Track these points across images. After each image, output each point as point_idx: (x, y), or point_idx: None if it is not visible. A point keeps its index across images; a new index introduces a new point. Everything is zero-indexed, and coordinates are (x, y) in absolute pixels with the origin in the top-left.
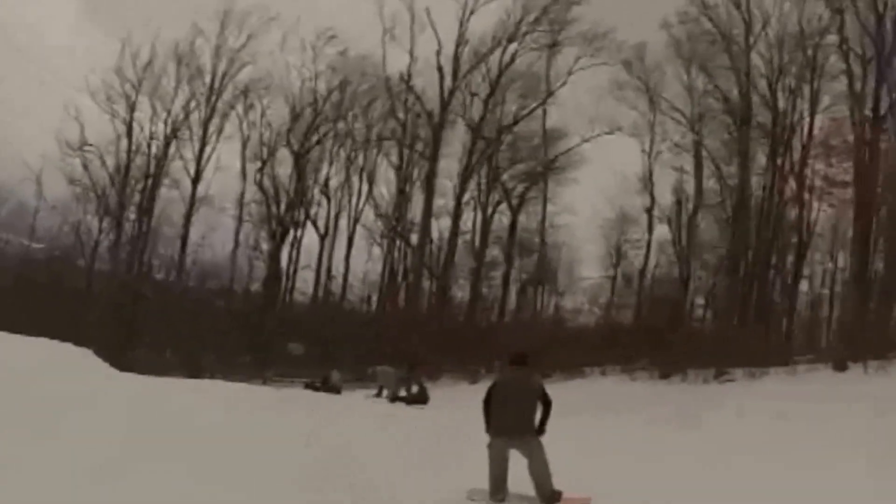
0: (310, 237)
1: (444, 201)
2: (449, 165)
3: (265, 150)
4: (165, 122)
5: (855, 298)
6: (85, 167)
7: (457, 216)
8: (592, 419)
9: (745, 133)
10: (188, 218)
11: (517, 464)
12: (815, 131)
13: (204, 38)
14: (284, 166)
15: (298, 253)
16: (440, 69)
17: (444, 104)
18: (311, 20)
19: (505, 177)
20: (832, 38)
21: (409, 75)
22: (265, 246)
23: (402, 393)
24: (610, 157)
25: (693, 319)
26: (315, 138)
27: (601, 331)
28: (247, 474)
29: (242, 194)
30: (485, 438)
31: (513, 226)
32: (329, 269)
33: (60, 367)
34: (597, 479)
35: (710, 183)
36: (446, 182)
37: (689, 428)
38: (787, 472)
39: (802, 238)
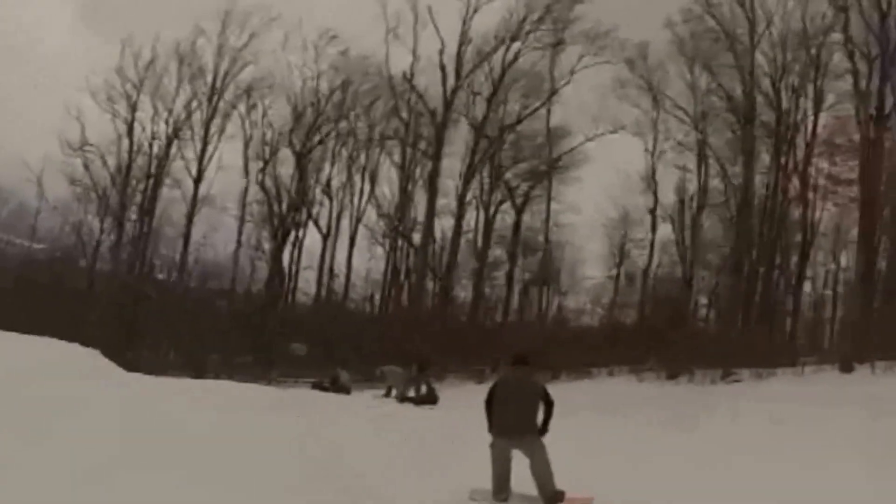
0: (312, 237)
1: (445, 201)
2: (451, 164)
3: (267, 150)
4: (167, 122)
5: (860, 298)
6: (86, 167)
7: (460, 215)
8: (602, 420)
9: (749, 132)
10: (190, 218)
11: (520, 464)
12: (819, 130)
13: (206, 37)
14: (286, 166)
15: (300, 253)
16: (443, 68)
17: (447, 103)
18: (312, 20)
19: (508, 175)
20: (836, 37)
21: (412, 74)
22: (267, 246)
23: (411, 393)
24: (613, 156)
25: (697, 319)
26: (317, 138)
27: (605, 331)
28: (242, 477)
29: (245, 194)
30: (487, 438)
31: (517, 225)
32: (331, 269)
33: (69, 368)
34: (603, 480)
35: (713, 182)
36: (448, 181)
37: (697, 429)
38: (797, 473)
39: (806, 237)
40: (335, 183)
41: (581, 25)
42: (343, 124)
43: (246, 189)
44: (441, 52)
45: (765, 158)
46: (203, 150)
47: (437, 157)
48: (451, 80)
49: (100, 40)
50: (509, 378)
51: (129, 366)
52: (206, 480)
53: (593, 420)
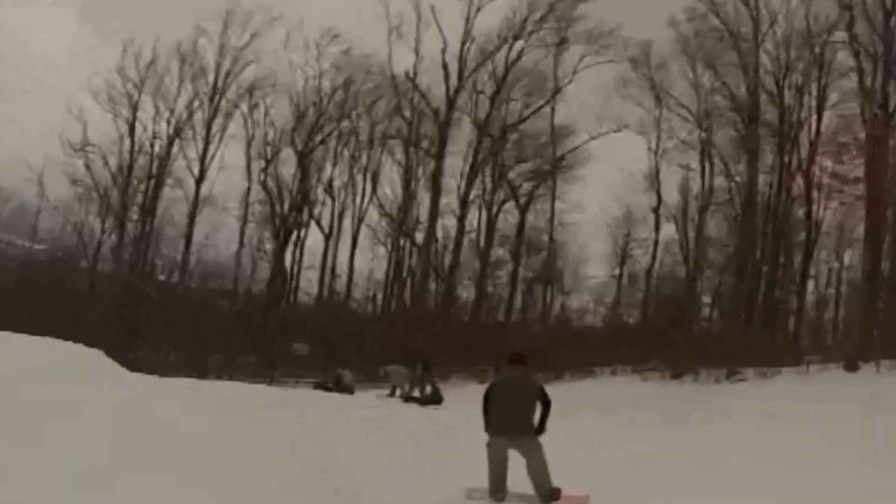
0: (314, 237)
1: (447, 200)
2: (453, 164)
3: (269, 150)
4: (168, 122)
5: (865, 297)
6: (87, 167)
7: (462, 215)
8: (605, 420)
9: (753, 130)
10: (192, 217)
11: (517, 463)
12: (823, 128)
13: (207, 37)
14: (288, 166)
15: (302, 253)
16: (445, 67)
17: (450, 102)
18: (314, 19)
19: (511, 175)
20: (839, 35)
21: (416, 73)
22: (269, 246)
23: (416, 393)
24: (617, 155)
25: (700, 319)
26: (319, 137)
27: (608, 331)
28: (237, 478)
29: (248, 193)
30: (485, 438)
31: (521, 224)
32: (333, 269)
33: (74, 369)
34: (604, 479)
35: (717, 181)
36: (450, 181)
37: (701, 429)
38: (804, 472)
39: (810, 236)
40: (337, 183)
41: (584, 24)
42: (345, 124)
43: (248, 189)
44: (444, 51)
45: (768, 157)
46: (205, 150)
47: (440, 156)
48: (453, 80)
49: (102, 41)
50: (506, 377)
51: (132, 366)
52: (201, 482)
53: (596, 419)
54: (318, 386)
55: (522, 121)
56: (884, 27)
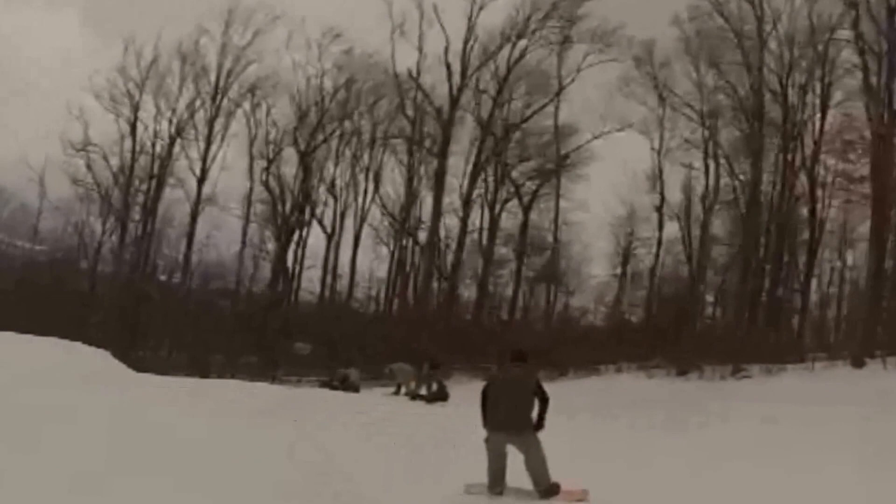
0: (316, 237)
1: (449, 199)
2: (455, 163)
3: (271, 150)
4: (170, 121)
5: (870, 294)
6: (88, 167)
7: (465, 214)
8: (611, 420)
9: (757, 129)
10: (194, 218)
11: (516, 458)
12: (827, 127)
13: (209, 36)
14: (290, 165)
15: (304, 252)
16: (448, 66)
17: (453, 101)
18: (316, 18)
19: (515, 174)
20: (843, 34)
21: (419, 72)
22: (271, 246)
23: (423, 391)
24: (620, 154)
25: (703, 317)
26: (321, 137)
27: (611, 329)
28: (233, 483)
29: (250, 193)
30: (483, 434)
31: (524, 224)
32: (335, 269)
33: (79, 369)
34: (603, 484)
35: (721, 180)
36: (453, 180)
37: (710, 429)
38: (805, 477)
39: (814, 235)
40: (339, 182)
41: (588, 23)
42: (347, 123)
43: (250, 189)
44: (446, 50)
45: (771, 156)
46: (206, 150)
47: (443, 155)
48: (456, 78)
49: (105, 45)
50: (505, 374)
51: (137, 367)
52: (198, 487)
53: (608, 419)
54: (325, 384)
55: (525, 120)
56: (888, 25)
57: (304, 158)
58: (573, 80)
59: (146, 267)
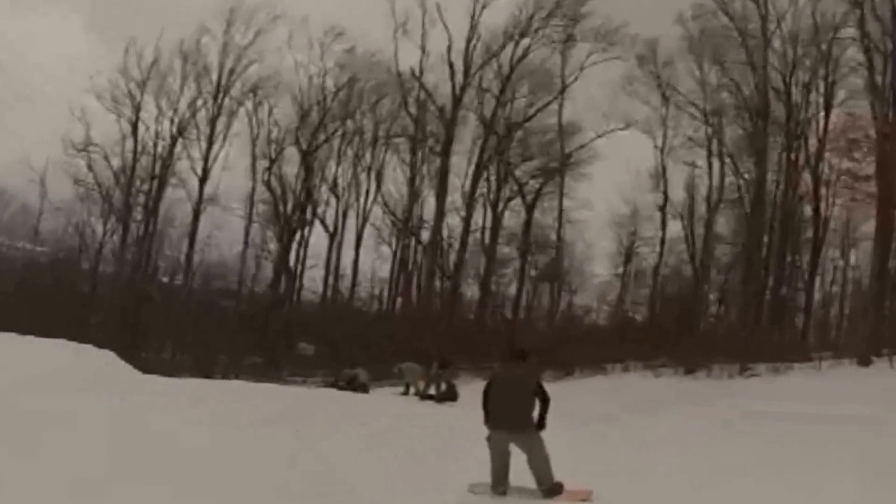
0: (318, 236)
1: (451, 198)
2: (457, 162)
3: (273, 149)
4: (171, 121)
5: (874, 292)
6: (90, 167)
7: (468, 213)
8: (619, 417)
9: (761, 128)
10: (195, 217)
11: (519, 458)
12: (830, 126)
13: (210, 36)
14: (292, 165)
15: (306, 252)
16: (451, 65)
17: (456, 100)
18: (318, 17)
19: (518, 172)
20: (847, 33)
21: (421, 71)
22: (273, 245)
23: (432, 391)
24: (624, 153)
25: (707, 316)
26: (323, 136)
27: (615, 328)
28: (234, 491)
29: (252, 193)
30: (485, 433)
31: (527, 222)
32: (337, 269)
33: (85, 371)
34: (608, 480)
35: (725, 179)
36: (455, 179)
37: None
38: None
39: (818, 233)
40: (341, 182)
41: (591, 21)
42: (349, 122)
43: (252, 188)
44: (449, 49)
45: (775, 155)
46: (208, 150)
47: (446, 154)
48: (459, 77)
49: (108, 48)
50: (506, 373)
51: (142, 368)
52: (199, 495)
53: (612, 419)
54: (332, 384)
55: (528, 119)
56: (893, 25)
57: (307, 158)
58: (576, 79)
59: (147, 267)
